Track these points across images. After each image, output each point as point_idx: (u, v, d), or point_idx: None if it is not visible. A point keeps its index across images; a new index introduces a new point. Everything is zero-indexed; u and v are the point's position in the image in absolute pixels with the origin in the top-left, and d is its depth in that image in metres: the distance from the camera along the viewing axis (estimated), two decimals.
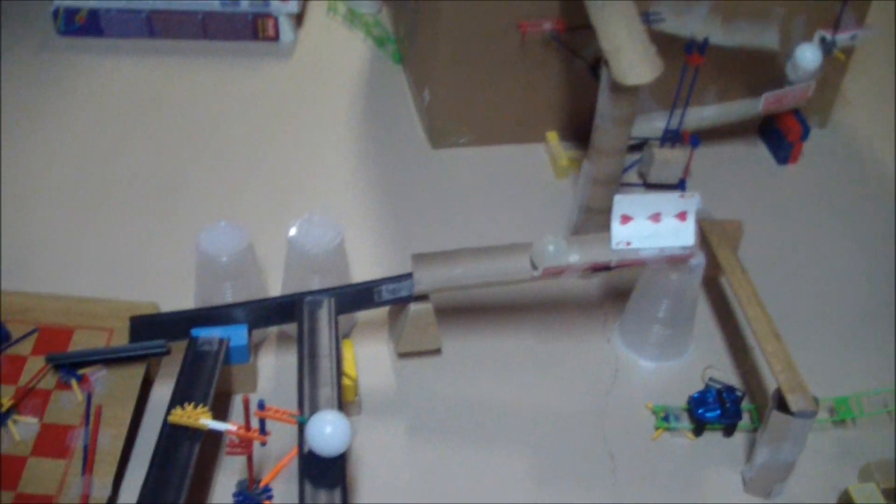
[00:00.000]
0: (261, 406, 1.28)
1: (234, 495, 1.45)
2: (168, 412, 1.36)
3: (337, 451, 1.27)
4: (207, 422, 1.32)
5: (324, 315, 1.50)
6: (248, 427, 1.30)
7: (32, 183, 1.98)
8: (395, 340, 1.63)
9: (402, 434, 1.54)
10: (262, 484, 1.44)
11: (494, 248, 1.57)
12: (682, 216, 1.57)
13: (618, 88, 1.61)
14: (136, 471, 1.48)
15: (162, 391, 1.59)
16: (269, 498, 1.44)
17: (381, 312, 1.68)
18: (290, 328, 1.65)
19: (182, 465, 1.31)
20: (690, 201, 1.55)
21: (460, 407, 1.58)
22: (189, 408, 1.34)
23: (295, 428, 1.37)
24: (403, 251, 1.80)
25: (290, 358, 1.63)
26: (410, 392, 1.59)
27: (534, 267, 1.55)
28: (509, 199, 1.98)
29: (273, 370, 1.62)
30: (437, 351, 1.65)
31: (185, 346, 1.54)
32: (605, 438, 1.57)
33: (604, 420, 1.60)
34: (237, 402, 1.57)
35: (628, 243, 1.57)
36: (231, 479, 1.48)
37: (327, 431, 1.26)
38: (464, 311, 1.72)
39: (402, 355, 1.64)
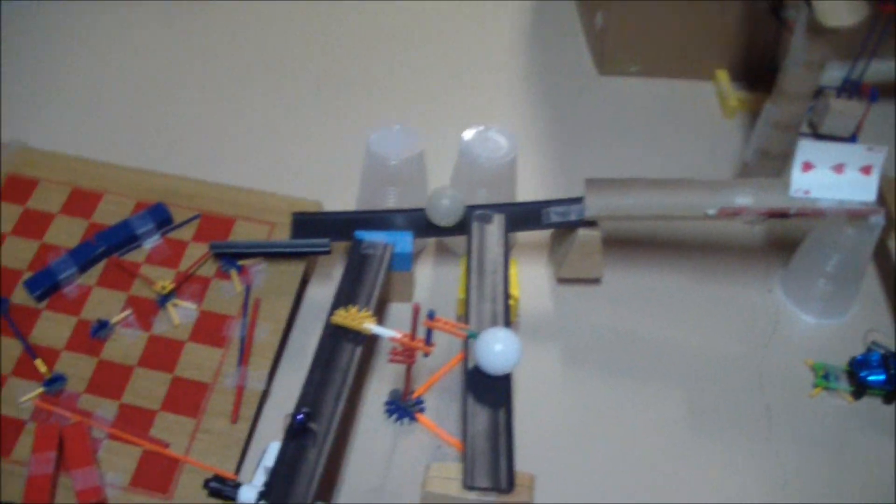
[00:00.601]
0: (430, 316, 1.25)
1: (387, 403, 1.43)
2: (331, 313, 1.32)
3: (504, 370, 1.23)
4: (371, 326, 1.29)
5: (494, 231, 1.47)
6: (413, 336, 1.26)
7: (206, 73, 1.97)
8: (556, 264, 1.59)
9: (557, 359, 1.50)
10: (415, 395, 1.41)
11: (669, 181, 1.52)
12: (866, 170, 1.50)
13: (816, 30, 1.53)
14: (287, 366, 1.46)
15: (316, 291, 1.57)
16: (422, 410, 1.41)
17: (541, 235, 1.63)
18: (451, 240, 1.61)
19: (344, 367, 1.28)
20: (877, 155, 1.48)
21: (616, 339, 1.53)
22: (352, 310, 1.31)
23: (450, 343, 1.33)
24: (562, 174, 1.76)
25: (447, 270, 1.61)
26: (567, 318, 1.55)
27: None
28: (674, 134, 1.92)
29: (429, 281, 1.59)
30: (597, 280, 1.59)
31: (344, 247, 1.52)
32: (761, 389, 1.51)
33: (761, 371, 1.54)
34: (391, 311, 1.54)
35: (807, 192, 1.50)
36: (382, 387, 1.44)
37: (497, 349, 1.22)
38: (624, 243, 1.67)
39: (562, 281, 1.59)
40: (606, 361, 1.50)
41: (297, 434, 1.20)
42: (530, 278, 1.59)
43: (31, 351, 1.41)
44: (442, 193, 1.46)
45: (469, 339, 1.27)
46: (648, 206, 1.51)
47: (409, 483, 1.35)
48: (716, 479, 1.39)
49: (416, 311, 1.23)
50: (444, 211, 1.46)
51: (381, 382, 1.45)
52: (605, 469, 1.39)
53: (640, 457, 1.41)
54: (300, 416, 1.19)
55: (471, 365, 1.26)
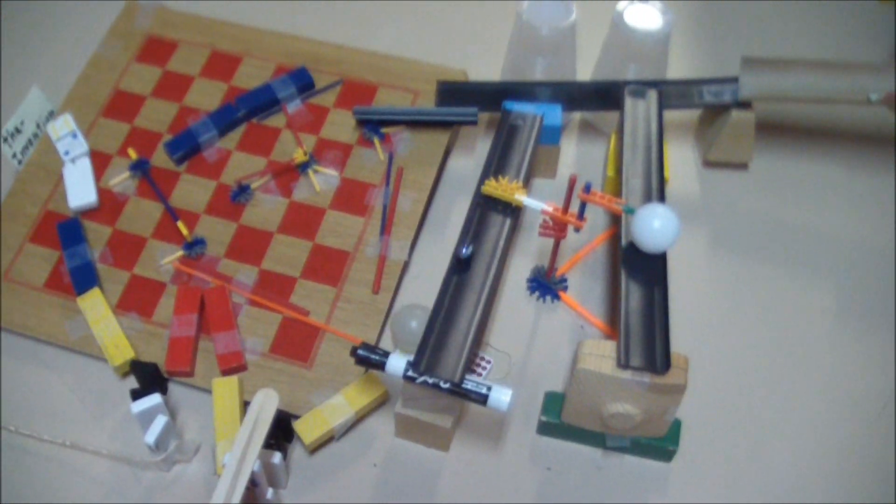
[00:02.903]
0: (586, 189, 1.20)
1: (529, 281, 1.39)
2: (480, 184, 1.28)
3: (662, 247, 1.18)
4: (522, 198, 1.24)
5: (647, 107, 1.40)
6: (566, 209, 1.22)
7: None
8: (705, 146, 1.53)
9: (703, 242, 1.45)
10: (559, 272, 1.37)
11: (831, 62, 1.44)
12: None
13: None
14: (427, 238, 1.43)
15: (457, 162, 1.53)
16: (565, 289, 1.38)
17: (687, 115, 1.56)
18: (596, 118, 1.56)
19: (494, 239, 1.24)
20: None
21: (764, 225, 1.48)
22: (503, 181, 1.26)
23: (593, 222, 1.38)
24: (710, 54, 1.69)
25: (591, 148, 1.56)
26: (714, 202, 1.50)
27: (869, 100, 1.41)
28: (825, 17, 1.81)
29: (573, 158, 1.54)
30: (745, 165, 1.53)
31: (487, 119, 1.51)
32: None
33: None
34: (535, 186, 1.49)
35: None
36: (523, 263, 1.40)
37: (655, 226, 1.17)
38: (774, 127, 1.60)
39: (709, 164, 1.52)
40: (753, 247, 1.45)
41: (462, 269, 1.20)
42: (676, 160, 1.54)
43: (173, 213, 1.40)
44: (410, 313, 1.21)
45: (625, 215, 1.21)
46: (807, 88, 1.44)
47: (550, 362, 1.32)
48: (860, 370, 1.35)
49: (572, 183, 1.18)
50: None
51: (522, 258, 1.40)
52: (749, 354, 1.36)
53: (786, 344, 1.37)
54: (466, 250, 1.16)
55: (625, 241, 1.21)
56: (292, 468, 1.23)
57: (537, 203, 1.23)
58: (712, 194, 1.50)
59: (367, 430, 1.26)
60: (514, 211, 1.26)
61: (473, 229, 1.25)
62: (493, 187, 1.27)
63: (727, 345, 1.34)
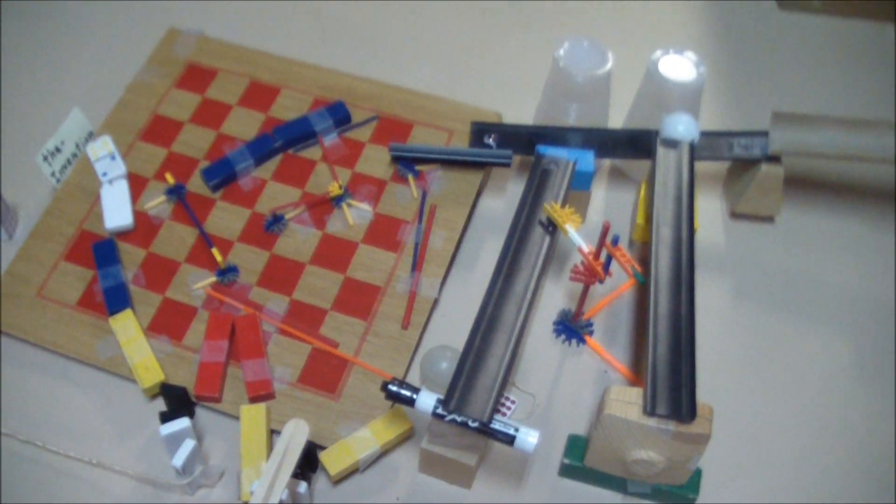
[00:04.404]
0: (615, 241, 1.22)
1: (555, 324, 1.40)
2: (512, 228, 1.31)
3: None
4: (570, 229, 1.26)
5: (678, 157, 1.42)
6: (597, 255, 1.23)
7: None
8: (732, 198, 1.54)
9: (726, 294, 1.47)
10: (585, 316, 1.38)
11: (860, 120, 1.46)
12: None
13: None
14: (456, 276, 1.46)
15: (488, 203, 1.55)
16: (591, 333, 1.39)
17: (715, 166, 1.59)
18: (627, 165, 1.58)
19: (525, 281, 1.26)
20: None
21: (788, 280, 1.49)
22: (556, 205, 1.29)
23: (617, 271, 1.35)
24: (737, 107, 1.72)
25: (620, 195, 1.58)
26: (739, 254, 1.51)
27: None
28: (850, 76, 1.83)
29: (601, 204, 1.56)
30: (771, 218, 1.54)
31: (521, 160, 1.53)
32: None
33: None
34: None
35: None
36: (551, 306, 1.42)
37: (680, 129, 1.41)
38: (801, 182, 1.61)
39: (736, 215, 1.54)
40: (777, 301, 1.46)
41: None
42: (703, 210, 1.55)
43: (208, 239, 1.41)
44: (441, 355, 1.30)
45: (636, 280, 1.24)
46: (836, 145, 1.45)
47: (573, 405, 1.33)
48: (879, 426, 1.36)
49: (605, 229, 1.20)
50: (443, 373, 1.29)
51: (550, 301, 1.43)
52: (769, 406, 1.37)
53: (806, 398, 1.38)
54: None
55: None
56: (316, 498, 1.24)
57: (580, 240, 1.25)
58: (738, 246, 1.52)
59: (391, 464, 1.28)
60: (545, 255, 1.28)
61: (506, 269, 1.26)
62: (554, 209, 1.28)
63: (748, 396, 1.36)
